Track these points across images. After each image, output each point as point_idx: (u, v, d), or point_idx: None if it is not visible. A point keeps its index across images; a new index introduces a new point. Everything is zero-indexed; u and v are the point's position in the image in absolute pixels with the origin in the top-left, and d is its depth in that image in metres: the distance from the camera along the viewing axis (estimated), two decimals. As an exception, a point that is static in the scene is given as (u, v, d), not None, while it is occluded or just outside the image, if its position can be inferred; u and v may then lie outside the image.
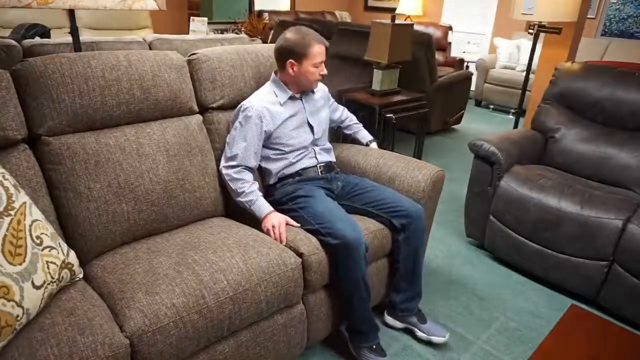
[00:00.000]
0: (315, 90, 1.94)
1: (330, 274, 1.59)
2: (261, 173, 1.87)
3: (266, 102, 1.78)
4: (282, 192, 1.79)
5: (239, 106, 1.77)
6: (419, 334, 1.83)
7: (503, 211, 2.29)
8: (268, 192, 1.84)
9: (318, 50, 1.74)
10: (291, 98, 1.83)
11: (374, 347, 1.68)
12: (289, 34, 1.75)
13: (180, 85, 1.71)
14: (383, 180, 1.92)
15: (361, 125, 2.22)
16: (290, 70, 1.77)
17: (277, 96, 1.81)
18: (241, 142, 1.72)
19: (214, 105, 1.83)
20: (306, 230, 1.63)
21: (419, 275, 1.82)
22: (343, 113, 2.18)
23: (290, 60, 1.75)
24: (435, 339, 1.80)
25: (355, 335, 1.70)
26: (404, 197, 1.79)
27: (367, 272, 1.61)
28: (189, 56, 1.82)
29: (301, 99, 1.87)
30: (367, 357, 1.67)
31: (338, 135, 2.28)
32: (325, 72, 1.80)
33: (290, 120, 1.82)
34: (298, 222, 1.66)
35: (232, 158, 1.72)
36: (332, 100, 2.11)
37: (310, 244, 1.55)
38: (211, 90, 1.82)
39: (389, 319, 1.89)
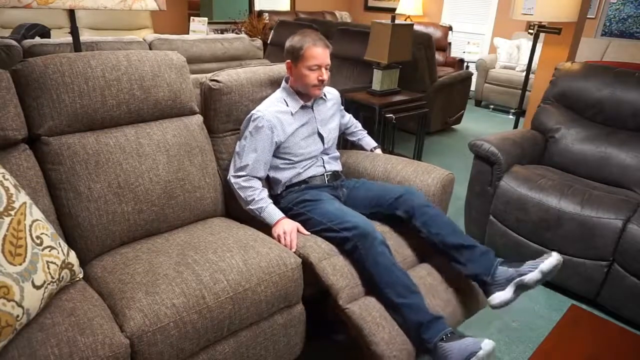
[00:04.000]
0: (327, 97, 1.91)
1: (363, 279, 1.51)
2: (269, 183, 1.83)
3: (277, 111, 1.74)
4: (288, 199, 1.76)
5: (249, 115, 1.74)
6: (529, 276, 1.46)
7: (503, 211, 2.29)
8: (274, 200, 1.80)
9: (314, 52, 1.68)
10: (302, 107, 1.80)
11: (449, 335, 1.40)
12: (295, 35, 1.74)
13: (181, 86, 1.71)
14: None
15: (365, 131, 2.20)
16: (288, 72, 1.77)
17: (287, 105, 1.77)
18: (251, 153, 1.69)
19: (222, 134, 1.84)
20: (318, 231, 1.60)
21: (465, 237, 1.60)
22: (350, 120, 2.16)
23: (288, 60, 1.75)
24: (546, 265, 1.46)
25: (424, 336, 1.40)
26: (392, 185, 1.76)
27: (396, 262, 1.51)
28: (211, 80, 1.77)
29: (312, 108, 1.84)
30: (447, 350, 1.36)
31: (339, 140, 2.27)
32: (324, 77, 1.72)
33: (300, 130, 1.79)
34: (308, 225, 1.64)
35: (242, 168, 1.69)
36: (342, 106, 2.07)
37: (320, 250, 1.51)
38: (224, 123, 1.83)
39: (493, 298, 1.52)
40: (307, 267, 1.49)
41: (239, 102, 1.82)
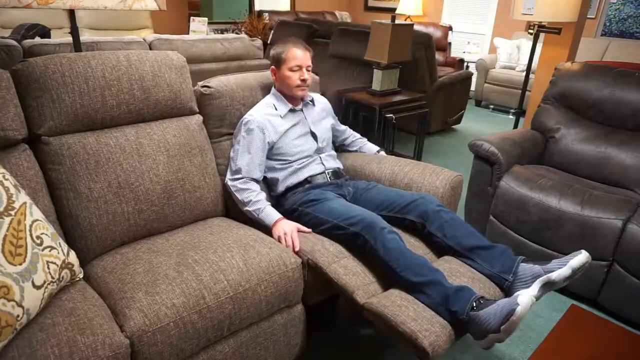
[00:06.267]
0: (315, 102, 1.97)
1: (378, 277, 1.48)
2: (268, 184, 1.85)
3: (267, 114, 1.80)
4: (292, 200, 1.76)
5: (240, 120, 1.80)
6: (557, 273, 1.36)
7: (503, 211, 2.29)
8: (278, 202, 1.82)
9: (293, 53, 1.78)
10: (291, 111, 1.85)
11: (480, 301, 1.31)
12: (277, 44, 1.84)
13: (181, 86, 1.71)
14: (399, 187, 1.87)
15: (365, 139, 2.21)
16: (274, 77, 1.86)
17: (276, 109, 1.83)
18: (245, 155, 1.73)
19: (216, 139, 1.85)
20: (325, 230, 1.59)
21: (481, 239, 1.57)
22: (346, 130, 2.18)
23: (272, 67, 1.85)
24: (576, 261, 1.37)
25: (454, 308, 1.31)
26: (406, 192, 1.75)
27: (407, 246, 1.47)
28: (202, 86, 1.82)
29: (302, 110, 1.90)
30: (482, 318, 1.27)
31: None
32: (306, 77, 1.80)
33: (292, 130, 1.83)
34: (315, 224, 1.63)
35: (238, 171, 1.72)
36: (335, 117, 2.11)
37: (328, 254, 1.50)
38: (218, 128, 1.85)
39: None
40: (317, 272, 1.47)
41: (230, 105, 1.85)
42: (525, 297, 1.25)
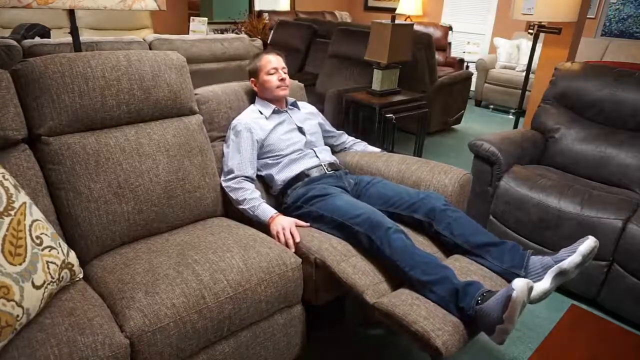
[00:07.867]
0: (301, 107, 2.03)
1: (387, 276, 1.46)
2: (265, 182, 1.88)
3: (252, 117, 1.88)
4: (294, 196, 1.76)
5: (229, 127, 1.87)
6: (568, 260, 1.37)
7: (503, 211, 2.29)
8: (279, 201, 1.83)
9: (267, 59, 1.91)
10: (276, 112, 1.92)
11: (484, 294, 1.29)
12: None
13: (181, 86, 1.71)
14: (407, 185, 1.84)
15: (365, 142, 2.22)
16: (256, 88, 1.96)
17: (261, 113, 1.90)
18: (236, 155, 1.78)
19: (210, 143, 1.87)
20: (332, 228, 1.58)
21: (490, 235, 1.56)
22: (342, 135, 2.20)
23: (252, 79, 1.95)
24: (584, 247, 1.37)
25: (462, 304, 1.30)
26: (412, 189, 1.73)
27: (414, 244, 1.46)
28: None
29: (287, 112, 1.97)
30: (484, 310, 1.24)
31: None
32: (284, 76, 1.91)
33: (279, 127, 1.89)
34: (320, 222, 1.62)
35: (230, 171, 1.76)
36: (328, 122, 2.16)
37: (336, 252, 1.48)
38: (209, 132, 1.87)
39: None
40: (326, 271, 1.45)
41: (217, 109, 1.90)
42: (520, 280, 1.22)
